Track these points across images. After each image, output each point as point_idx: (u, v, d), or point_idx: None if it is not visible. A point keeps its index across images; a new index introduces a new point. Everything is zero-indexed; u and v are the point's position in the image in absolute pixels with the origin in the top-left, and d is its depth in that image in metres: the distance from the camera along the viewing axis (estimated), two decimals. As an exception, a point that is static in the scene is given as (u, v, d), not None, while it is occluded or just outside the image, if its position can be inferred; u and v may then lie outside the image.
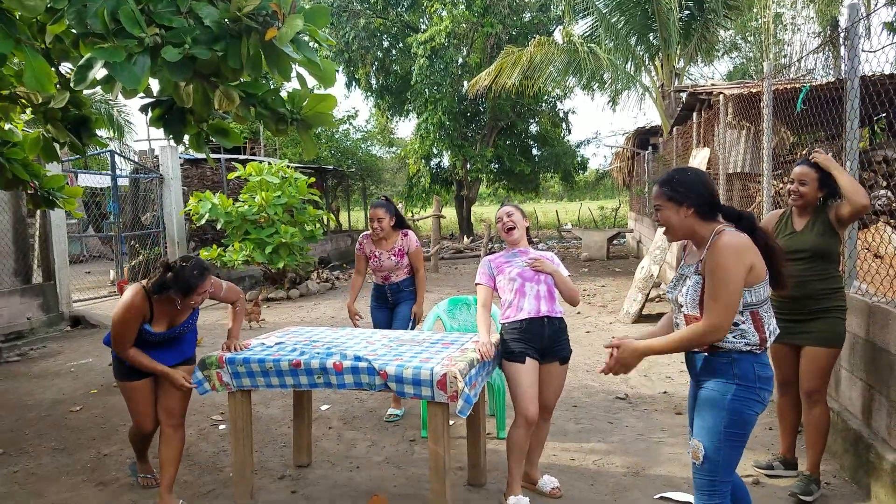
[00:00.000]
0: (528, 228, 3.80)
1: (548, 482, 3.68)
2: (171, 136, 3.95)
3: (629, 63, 14.57)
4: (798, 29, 22.65)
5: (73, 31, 2.93)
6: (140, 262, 11.89)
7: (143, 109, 3.91)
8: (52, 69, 3.67)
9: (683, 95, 18.70)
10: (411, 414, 5.06)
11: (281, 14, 2.63)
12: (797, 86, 7.24)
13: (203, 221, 10.77)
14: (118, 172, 10.90)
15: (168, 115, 3.86)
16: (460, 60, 20.06)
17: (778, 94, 7.17)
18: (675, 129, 10.81)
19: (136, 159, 13.34)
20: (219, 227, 10.85)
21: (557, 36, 19.94)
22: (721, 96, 7.42)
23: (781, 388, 3.78)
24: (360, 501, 3.65)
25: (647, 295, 8.31)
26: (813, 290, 3.46)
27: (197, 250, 12.28)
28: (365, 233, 5.09)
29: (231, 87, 3.36)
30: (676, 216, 2.48)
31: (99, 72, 2.85)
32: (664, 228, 2.58)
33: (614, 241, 15.73)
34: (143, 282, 3.47)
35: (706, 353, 2.47)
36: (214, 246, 11.04)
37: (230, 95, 3.35)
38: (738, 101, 7.65)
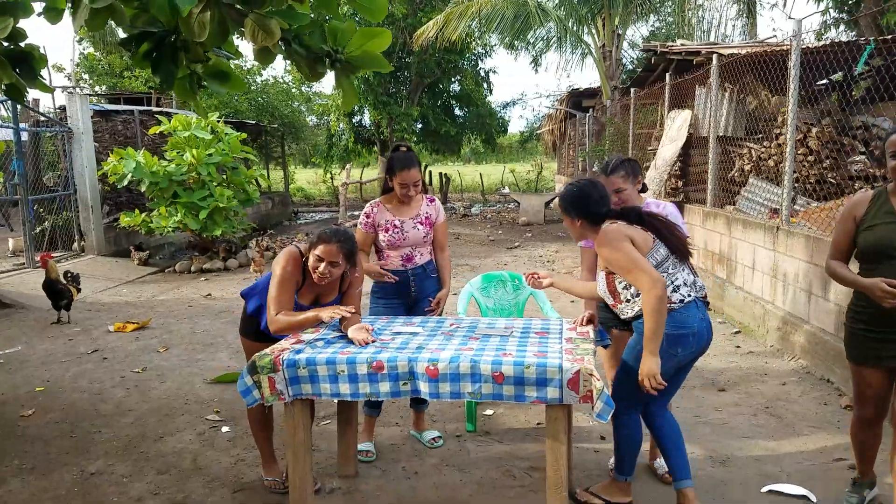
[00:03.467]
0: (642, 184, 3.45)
1: (663, 465, 3.41)
2: (160, 79, 3.09)
3: (571, 22, 14.20)
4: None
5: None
6: (45, 230, 10.45)
7: (126, 43, 3.04)
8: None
9: (628, 56, 18.51)
10: (438, 405, 4.46)
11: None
12: (783, 48, 7.08)
13: (125, 182, 9.51)
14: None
15: (158, 52, 2.99)
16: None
17: (758, 57, 7.00)
18: (633, 90, 10.55)
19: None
20: (142, 188, 9.61)
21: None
22: (715, 57, 7.13)
23: (863, 421, 3.01)
24: (441, 519, 3.10)
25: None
26: None
27: (114, 215, 10.94)
28: (373, 200, 3.86)
29: (266, 16, 2.59)
30: (572, 226, 3.02)
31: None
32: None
33: (549, 206, 15.54)
34: (299, 244, 3.19)
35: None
36: (137, 211, 9.84)
37: (268, 27, 2.56)
38: (726, 63, 7.39)
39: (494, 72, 25.65)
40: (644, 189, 3.46)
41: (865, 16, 11.40)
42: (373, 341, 2.95)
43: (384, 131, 20.17)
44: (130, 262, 10.49)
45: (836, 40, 8.49)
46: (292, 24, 2.72)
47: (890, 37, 6.54)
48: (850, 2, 13.20)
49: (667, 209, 3.31)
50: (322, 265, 3.00)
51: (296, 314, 3.04)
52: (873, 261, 2.79)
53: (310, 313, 3.03)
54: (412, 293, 3.77)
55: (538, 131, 24.97)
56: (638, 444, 3.09)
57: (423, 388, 2.76)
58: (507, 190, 22.50)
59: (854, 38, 8.48)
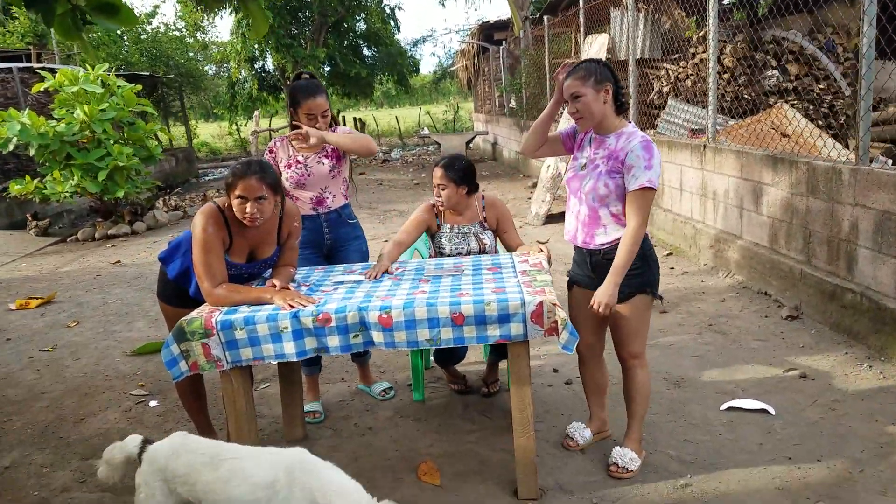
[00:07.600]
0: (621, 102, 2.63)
1: (616, 455, 2.80)
2: (40, 16, 2.66)
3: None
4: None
5: None
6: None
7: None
8: None
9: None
10: (383, 353, 4.25)
11: None
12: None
13: (10, 147, 8.62)
14: None
15: (34, -15, 2.55)
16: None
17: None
18: (546, 18, 10.32)
19: None
20: (31, 152, 8.76)
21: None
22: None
23: None
24: (403, 470, 2.92)
25: (556, 194, 7.97)
26: None
27: (2, 184, 9.99)
28: (278, 137, 3.55)
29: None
30: (459, 195, 3.20)
31: None
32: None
33: (469, 145, 15.32)
34: (216, 200, 2.77)
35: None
36: (28, 177, 8.98)
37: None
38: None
39: (400, 8, 24.86)
40: (623, 108, 2.64)
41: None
42: (309, 303, 2.56)
43: (290, 76, 19.21)
44: (27, 233, 9.66)
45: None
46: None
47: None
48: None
49: (631, 143, 2.54)
50: (248, 205, 2.61)
51: (238, 291, 2.66)
52: None
53: (254, 292, 2.66)
54: (327, 241, 3.45)
55: (451, 69, 24.41)
56: None
57: (378, 338, 2.53)
58: (426, 131, 22.01)
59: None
